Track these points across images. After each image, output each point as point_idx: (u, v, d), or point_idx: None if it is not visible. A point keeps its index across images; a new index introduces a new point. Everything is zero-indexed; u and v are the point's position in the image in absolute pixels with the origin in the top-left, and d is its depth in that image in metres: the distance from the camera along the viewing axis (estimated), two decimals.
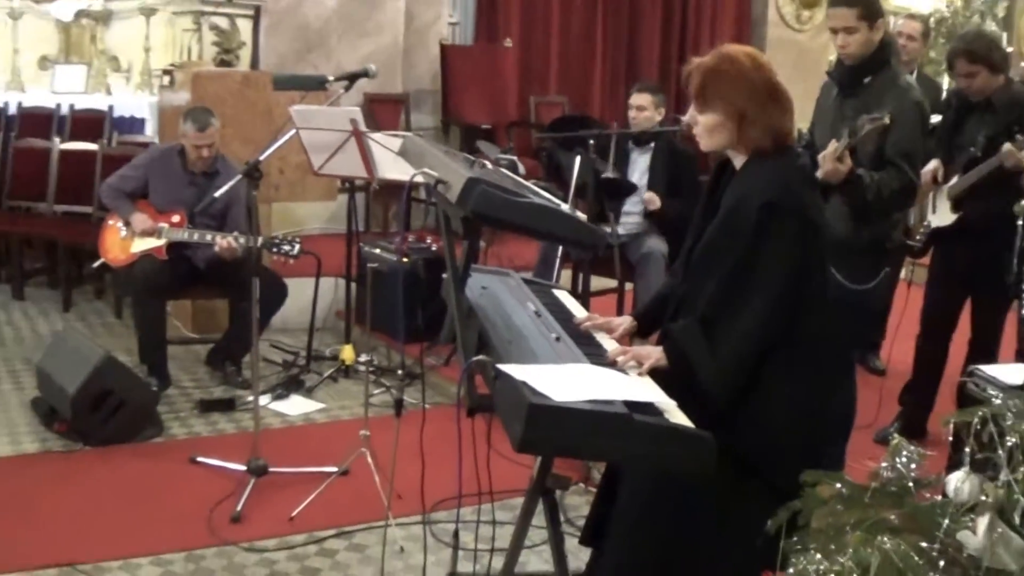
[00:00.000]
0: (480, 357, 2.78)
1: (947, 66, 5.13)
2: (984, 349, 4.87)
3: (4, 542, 4.10)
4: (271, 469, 4.61)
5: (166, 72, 7.59)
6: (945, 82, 7.76)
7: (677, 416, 2.61)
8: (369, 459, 4.49)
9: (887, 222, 4.56)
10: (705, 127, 3.02)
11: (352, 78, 4.67)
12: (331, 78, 4.75)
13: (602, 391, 2.56)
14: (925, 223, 5.04)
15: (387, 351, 6.36)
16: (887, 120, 4.13)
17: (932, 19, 9.02)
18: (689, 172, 6.29)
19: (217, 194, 4.81)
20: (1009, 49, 9.46)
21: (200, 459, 4.87)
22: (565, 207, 2.91)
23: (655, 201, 6.09)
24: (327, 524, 4.35)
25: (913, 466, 2.32)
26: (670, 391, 2.74)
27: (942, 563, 2.07)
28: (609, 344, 3.16)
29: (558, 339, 3.03)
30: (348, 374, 6.23)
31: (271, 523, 4.34)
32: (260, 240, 4.96)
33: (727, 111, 2.95)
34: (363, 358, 6.14)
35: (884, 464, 2.35)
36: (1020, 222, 4.26)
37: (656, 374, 2.91)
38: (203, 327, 6.75)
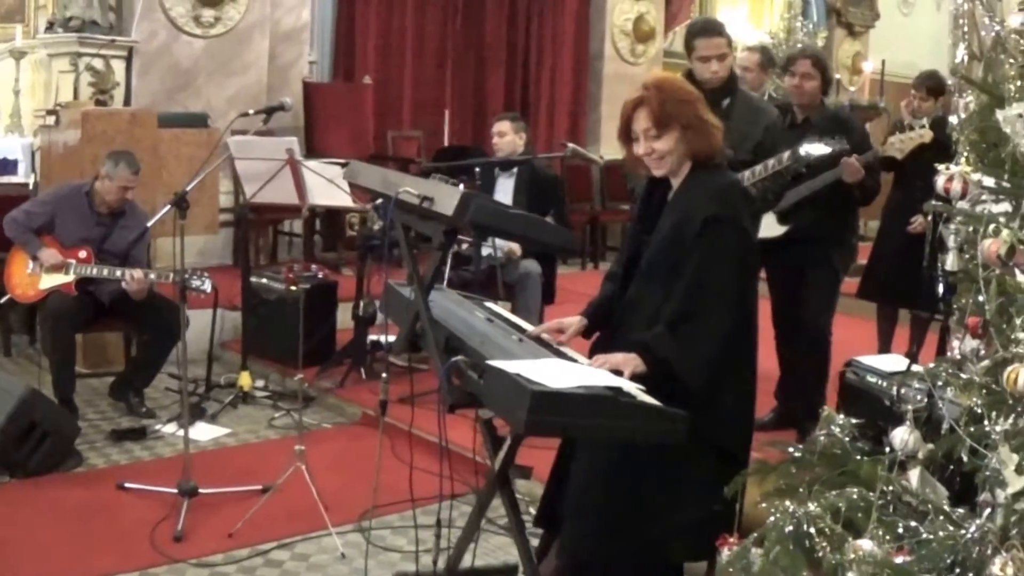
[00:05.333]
0: (460, 357, 3.09)
1: (784, 65, 5.58)
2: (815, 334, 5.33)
3: None
4: (200, 490, 4.77)
5: (50, 112, 7.60)
6: None
7: (645, 398, 2.97)
8: (306, 473, 4.69)
9: None
10: (666, 149, 3.28)
11: (270, 111, 4.91)
12: (251, 111, 4.96)
13: (582, 379, 2.90)
14: None
15: (280, 377, 6.59)
16: (846, 145, 4.69)
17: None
18: (553, 194, 6.67)
19: (149, 223, 4.94)
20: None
21: (128, 485, 4.98)
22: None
23: (516, 252, 6.44)
24: (265, 538, 4.55)
25: (847, 431, 2.78)
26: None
27: (892, 507, 2.52)
28: (567, 350, 3.48)
29: (520, 340, 3.36)
30: (246, 400, 6.43)
31: (212, 540, 4.51)
32: (172, 275, 5.12)
33: (681, 127, 3.26)
34: (298, 378, 6.49)
35: (821, 432, 2.80)
36: (930, 218, 4.68)
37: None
38: (94, 362, 6.81)
